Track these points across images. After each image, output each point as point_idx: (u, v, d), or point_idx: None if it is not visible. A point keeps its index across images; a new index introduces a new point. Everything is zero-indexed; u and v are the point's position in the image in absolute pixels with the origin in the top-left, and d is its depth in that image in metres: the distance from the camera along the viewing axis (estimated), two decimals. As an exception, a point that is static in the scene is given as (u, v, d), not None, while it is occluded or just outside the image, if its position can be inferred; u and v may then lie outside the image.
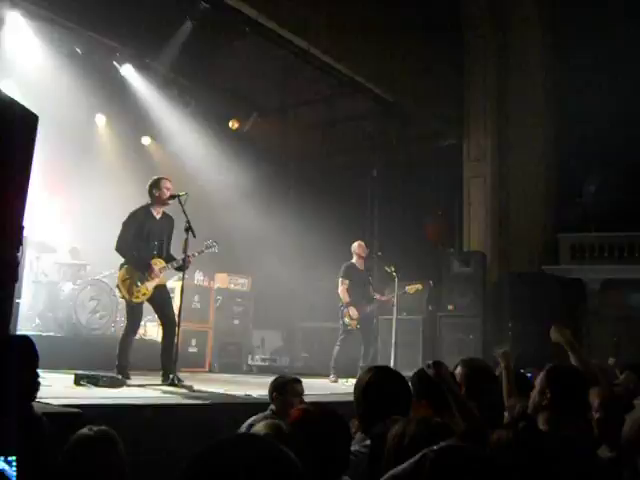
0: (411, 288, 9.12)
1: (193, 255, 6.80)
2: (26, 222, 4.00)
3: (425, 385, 3.24)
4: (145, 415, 4.58)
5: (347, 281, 9.06)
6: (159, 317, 6.94)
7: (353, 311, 8.95)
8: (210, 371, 9.61)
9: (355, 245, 9.28)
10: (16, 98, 4.15)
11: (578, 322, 11.74)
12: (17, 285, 5.13)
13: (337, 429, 2.56)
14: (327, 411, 2.69)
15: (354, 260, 9.24)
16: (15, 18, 8.42)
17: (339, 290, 9.09)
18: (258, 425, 2.61)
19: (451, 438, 2.24)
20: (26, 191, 3.78)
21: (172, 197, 6.78)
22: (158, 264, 6.74)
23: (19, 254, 4.00)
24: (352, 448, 2.72)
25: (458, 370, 3.81)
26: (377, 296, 9.22)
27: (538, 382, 3.12)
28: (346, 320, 9.02)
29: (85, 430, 2.73)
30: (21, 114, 3.81)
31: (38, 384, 3.05)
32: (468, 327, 11.07)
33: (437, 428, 2.28)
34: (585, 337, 11.14)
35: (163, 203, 6.83)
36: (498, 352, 4.29)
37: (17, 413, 2.78)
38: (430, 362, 3.11)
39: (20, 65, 8.72)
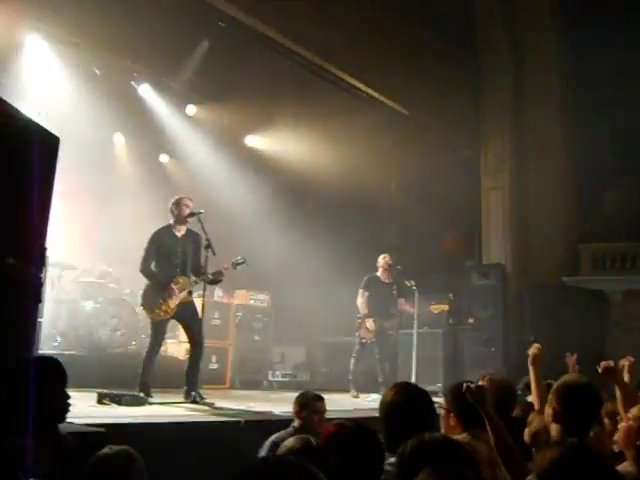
0: (436, 308, 9.01)
1: (224, 270, 6.88)
2: (48, 240, 4.04)
3: (457, 400, 3.24)
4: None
5: (366, 293, 9.01)
6: (187, 336, 6.98)
7: (370, 323, 8.88)
8: (231, 387, 9.61)
9: (379, 258, 9.24)
10: (37, 120, 4.21)
11: (601, 333, 11.60)
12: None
13: (371, 445, 2.57)
14: (361, 427, 2.70)
15: (378, 273, 9.18)
16: (34, 41, 8.56)
17: (358, 301, 9.06)
18: (288, 440, 2.59)
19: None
20: (48, 213, 3.83)
21: (191, 215, 6.87)
22: (180, 282, 6.80)
23: (42, 275, 4.04)
24: None
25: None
26: (405, 307, 9.04)
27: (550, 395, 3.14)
28: (361, 333, 8.98)
29: (105, 450, 2.75)
30: (42, 136, 3.86)
31: (68, 405, 3.07)
32: (489, 340, 10.97)
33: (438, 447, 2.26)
34: (609, 348, 11.00)
35: (183, 221, 6.93)
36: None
37: (46, 434, 2.81)
38: (472, 385, 3.07)
39: (39, 87, 8.84)
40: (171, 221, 7.00)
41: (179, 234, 6.97)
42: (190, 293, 6.95)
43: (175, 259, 6.89)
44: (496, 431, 2.89)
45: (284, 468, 1.38)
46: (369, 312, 8.95)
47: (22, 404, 2.77)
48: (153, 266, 6.88)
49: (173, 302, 6.76)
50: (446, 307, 9.18)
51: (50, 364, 3.11)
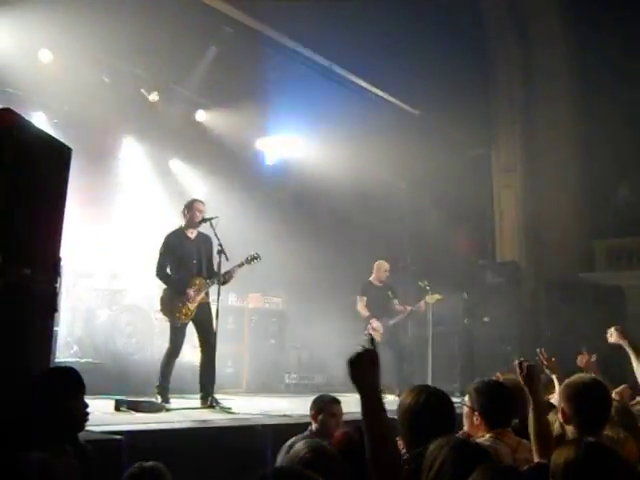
0: (430, 298, 9.13)
1: (238, 267, 6.87)
2: (62, 249, 4.07)
3: (481, 399, 3.23)
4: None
5: (364, 298, 9.34)
6: (199, 338, 6.97)
7: (376, 323, 9.10)
8: (247, 391, 9.61)
9: (375, 263, 9.58)
10: (49, 131, 4.25)
11: (618, 329, 11.50)
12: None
13: None
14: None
15: (371, 278, 9.51)
16: (44, 52, 8.62)
17: (358, 307, 9.35)
18: (298, 444, 2.58)
19: (486, 461, 2.22)
20: (62, 223, 3.85)
21: (204, 220, 6.88)
22: (197, 283, 6.82)
23: (57, 284, 4.07)
24: None
25: None
26: (401, 308, 9.31)
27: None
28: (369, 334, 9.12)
29: (136, 467, 2.76)
30: (55, 147, 3.89)
31: (87, 414, 3.08)
32: (505, 338, 10.92)
33: (471, 452, 2.26)
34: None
35: (195, 225, 6.94)
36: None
37: (67, 445, 2.83)
38: (525, 363, 3.08)
39: (50, 97, 8.90)
40: (183, 224, 7.02)
41: (192, 236, 6.99)
42: (207, 294, 6.98)
43: (191, 261, 6.92)
44: (538, 411, 2.93)
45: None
46: (370, 314, 9.18)
47: (40, 416, 2.78)
48: (169, 269, 6.89)
49: (193, 304, 6.79)
50: (439, 296, 9.24)
51: (66, 373, 3.12)
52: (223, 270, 6.80)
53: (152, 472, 2.72)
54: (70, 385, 3.03)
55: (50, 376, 3.11)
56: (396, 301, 9.39)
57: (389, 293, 9.40)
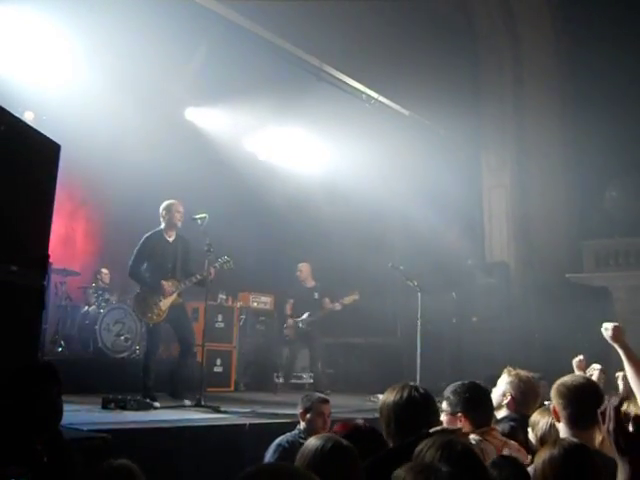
0: (347, 299, 9.32)
1: (211, 270, 6.87)
2: (50, 248, 4.05)
3: (461, 400, 3.24)
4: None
5: (291, 300, 9.85)
6: (177, 337, 7.10)
7: (290, 321, 9.65)
8: (235, 390, 9.61)
9: (298, 266, 9.94)
10: (37, 128, 4.22)
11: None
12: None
13: (379, 446, 2.66)
14: (369, 429, 2.73)
15: (298, 278, 9.88)
16: (33, 50, 8.56)
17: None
18: (313, 438, 2.53)
19: (473, 461, 2.23)
20: (50, 220, 3.84)
21: (193, 220, 6.90)
22: (170, 284, 6.84)
23: (45, 282, 4.06)
24: None
25: (508, 380, 3.79)
26: (329, 305, 9.56)
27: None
28: (285, 331, 9.76)
29: (105, 464, 2.73)
30: (43, 144, 3.87)
31: (61, 410, 3.04)
32: (493, 339, 10.96)
33: (458, 453, 2.26)
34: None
35: (174, 227, 6.97)
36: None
37: (44, 439, 2.80)
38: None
39: (39, 95, 8.84)
40: (162, 226, 7.03)
41: (170, 239, 7.04)
42: (180, 295, 6.98)
43: (167, 263, 6.97)
44: None
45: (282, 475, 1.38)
46: (292, 313, 9.71)
47: (11, 410, 2.75)
48: (144, 269, 6.93)
49: (165, 304, 6.83)
50: (357, 296, 9.37)
51: (42, 370, 3.07)
52: (198, 275, 6.91)
53: (122, 471, 2.68)
54: (45, 382, 2.97)
55: (24, 371, 3.06)
56: (327, 300, 9.59)
57: (315, 294, 9.67)
